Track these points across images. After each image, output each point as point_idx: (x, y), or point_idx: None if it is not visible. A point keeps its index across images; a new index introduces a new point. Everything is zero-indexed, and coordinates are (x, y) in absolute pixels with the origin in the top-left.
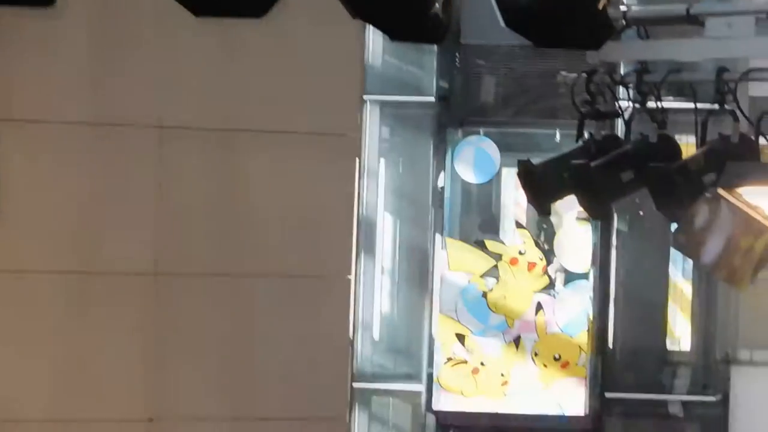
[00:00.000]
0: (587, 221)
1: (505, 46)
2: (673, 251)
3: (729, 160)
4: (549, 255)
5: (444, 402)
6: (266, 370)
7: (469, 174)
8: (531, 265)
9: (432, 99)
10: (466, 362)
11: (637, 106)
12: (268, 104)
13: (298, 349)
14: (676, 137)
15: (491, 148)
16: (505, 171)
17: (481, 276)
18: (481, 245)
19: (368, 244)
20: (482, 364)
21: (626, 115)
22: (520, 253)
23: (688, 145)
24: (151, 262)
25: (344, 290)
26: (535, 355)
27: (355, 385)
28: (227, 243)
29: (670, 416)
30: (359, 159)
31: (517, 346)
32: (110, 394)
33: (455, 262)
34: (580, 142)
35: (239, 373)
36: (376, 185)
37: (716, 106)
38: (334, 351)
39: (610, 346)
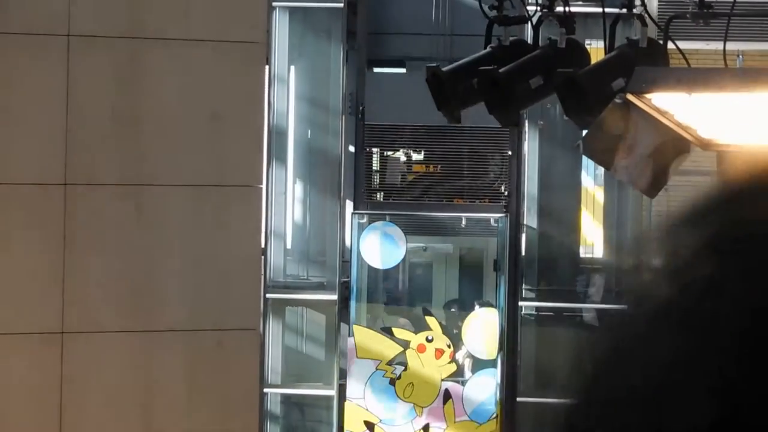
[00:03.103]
0: (492, 306)
1: (409, 126)
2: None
3: (638, 65)
4: (456, 341)
5: None
6: (176, 282)
7: (375, 259)
8: (438, 352)
9: (341, 5)
10: None
11: (545, 11)
12: (176, 12)
13: (209, 260)
14: (585, 42)
15: (397, 234)
16: (411, 256)
17: (389, 363)
18: (388, 332)
19: (279, 153)
20: None
21: (534, 21)
22: (428, 340)
23: (597, 49)
24: (61, 173)
25: (256, 199)
26: None
27: (268, 295)
28: (136, 153)
29: (585, 325)
30: (269, 66)
31: None
32: (19, 307)
33: (363, 349)
34: (488, 48)
35: (149, 284)
36: (286, 93)
37: (624, 11)
38: (245, 261)
39: (523, 252)
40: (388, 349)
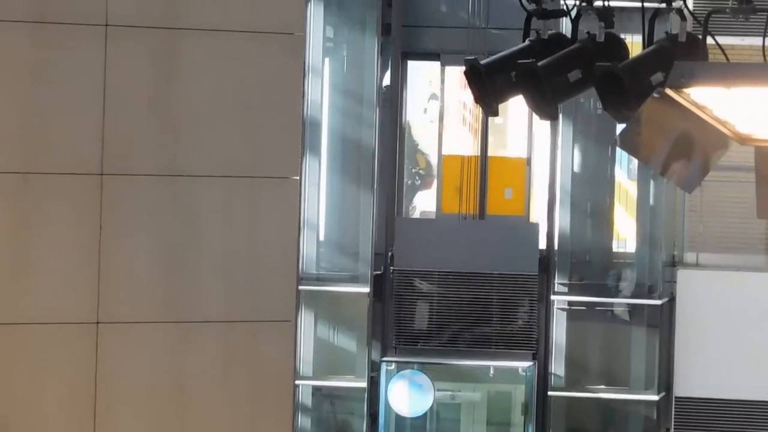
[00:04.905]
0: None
1: (437, 271)
2: (618, 151)
3: (676, 59)
4: None
5: None
6: (213, 273)
7: (403, 407)
8: None
9: None
10: None
11: (583, 4)
12: (213, 3)
13: (244, 252)
14: (623, 36)
15: (425, 383)
16: (439, 404)
17: None
18: None
19: (313, 144)
20: None
21: (573, 14)
22: None
23: (633, 44)
24: (98, 163)
25: (292, 191)
26: None
27: (300, 287)
28: (172, 144)
29: (616, 319)
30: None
31: None
32: (56, 296)
33: None
34: (527, 42)
35: (186, 275)
36: (321, 85)
37: (663, 5)
38: (281, 253)
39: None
40: None
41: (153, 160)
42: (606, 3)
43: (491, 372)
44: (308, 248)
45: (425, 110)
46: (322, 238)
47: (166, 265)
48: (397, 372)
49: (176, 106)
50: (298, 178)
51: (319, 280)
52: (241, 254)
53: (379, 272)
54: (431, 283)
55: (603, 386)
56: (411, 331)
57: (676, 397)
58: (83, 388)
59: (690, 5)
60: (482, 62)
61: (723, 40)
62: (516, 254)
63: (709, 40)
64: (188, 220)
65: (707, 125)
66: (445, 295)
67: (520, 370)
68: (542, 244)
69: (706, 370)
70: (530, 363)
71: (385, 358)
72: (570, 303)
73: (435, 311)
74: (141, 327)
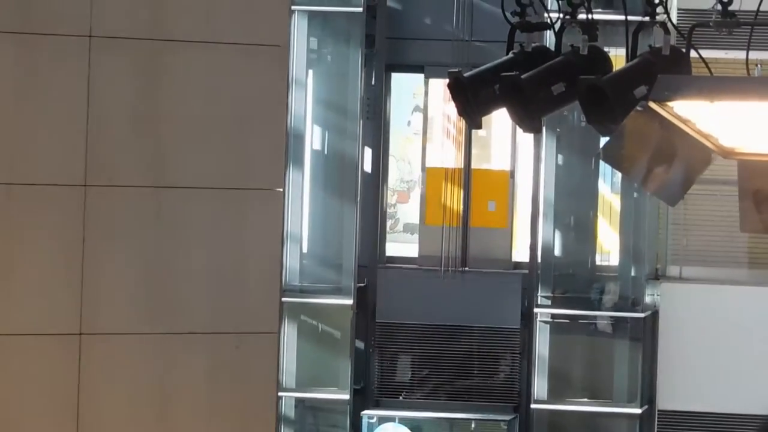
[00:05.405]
0: None
1: (420, 324)
2: (602, 164)
3: (660, 73)
4: None
5: None
6: (196, 285)
7: None
8: None
9: (360, 10)
10: None
11: (567, 17)
12: (197, 14)
13: (228, 264)
14: (607, 49)
15: None
16: None
17: None
18: None
19: (296, 156)
20: None
21: (556, 27)
22: None
23: (616, 57)
24: (81, 174)
25: (276, 203)
26: None
27: (284, 299)
28: (156, 155)
29: (599, 332)
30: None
31: None
32: (39, 307)
33: None
34: (511, 54)
35: (169, 287)
36: (304, 97)
37: (647, 18)
38: (265, 265)
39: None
40: None
41: (137, 171)
42: (590, 16)
43: (473, 425)
44: (291, 260)
45: (409, 123)
46: (305, 250)
47: (149, 276)
48: (379, 425)
49: (160, 118)
50: (282, 190)
51: (303, 292)
52: (225, 266)
53: (362, 284)
54: (413, 336)
55: (586, 399)
56: (393, 383)
57: (659, 410)
58: (66, 399)
59: (674, 19)
60: (466, 75)
61: (707, 53)
62: (498, 307)
63: (693, 54)
64: (172, 231)
65: (690, 139)
66: (428, 347)
67: (501, 423)
68: (525, 257)
69: (689, 383)
70: (512, 416)
71: (366, 411)
72: (553, 316)
73: (417, 363)
74: (124, 338)
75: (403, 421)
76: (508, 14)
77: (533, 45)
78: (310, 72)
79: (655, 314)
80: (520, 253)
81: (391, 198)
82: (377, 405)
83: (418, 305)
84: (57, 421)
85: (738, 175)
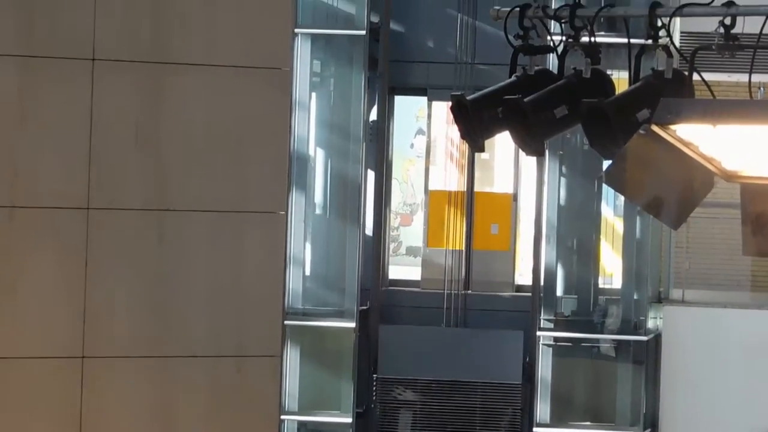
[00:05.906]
0: None
1: (421, 379)
2: (605, 188)
3: (663, 96)
4: None
5: None
6: (199, 308)
7: None
8: None
9: (363, 32)
10: None
11: (570, 40)
12: (200, 37)
13: (230, 287)
14: (610, 72)
15: None
16: None
17: None
18: None
19: (299, 179)
20: None
21: (559, 50)
22: None
23: (619, 80)
24: (84, 197)
25: (278, 226)
26: None
27: (286, 322)
28: (159, 178)
29: (602, 355)
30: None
31: None
32: (42, 330)
33: None
34: (513, 77)
35: (172, 310)
36: (307, 119)
37: (650, 42)
38: (267, 288)
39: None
40: None
41: (139, 194)
42: (592, 39)
43: None
44: (294, 283)
45: (412, 145)
46: (308, 272)
47: (152, 299)
48: None
49: (163, 141)
50: (284, 212)
51: (305, 314)
52: (228, 289)
53: (364, 307)
54: (415, 392)
55: (588, 422)
56: None
57: None
58: (69, 422)
59: (676, 42)
60: (468, 98)
61: (709, 76)
62: (499, 363)
63: (696, 77)
64: (174, 254)
65: (693, 162)
66: (429, 403)
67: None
68: (528, 280)
69: (692, 406)
70: None
71: None
72: (556, 339)
73: (418, 419)
74: (127, 362)
75: None
76: (510, 37)
77: (536, 68)
78: (313, 94)
79: (657, 337)
80: (523, 276)
81: (394, 221)
82: None
83: (419, 361)
84: None
85: (741, 199)
